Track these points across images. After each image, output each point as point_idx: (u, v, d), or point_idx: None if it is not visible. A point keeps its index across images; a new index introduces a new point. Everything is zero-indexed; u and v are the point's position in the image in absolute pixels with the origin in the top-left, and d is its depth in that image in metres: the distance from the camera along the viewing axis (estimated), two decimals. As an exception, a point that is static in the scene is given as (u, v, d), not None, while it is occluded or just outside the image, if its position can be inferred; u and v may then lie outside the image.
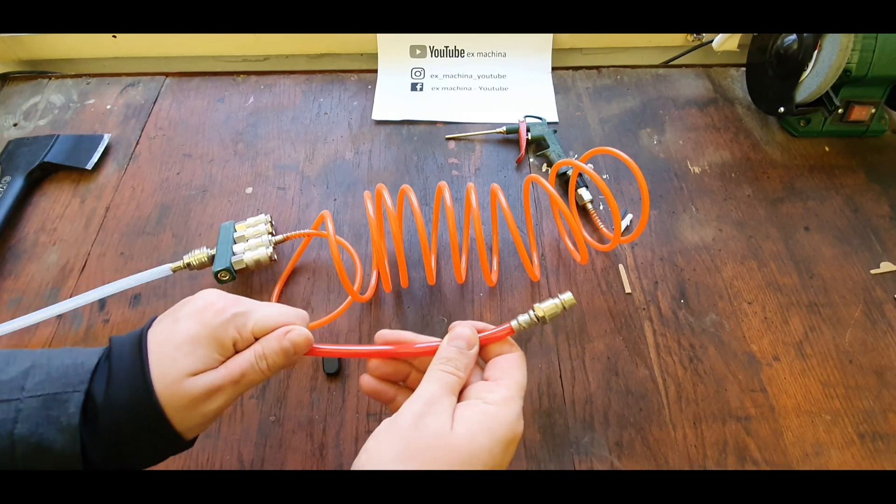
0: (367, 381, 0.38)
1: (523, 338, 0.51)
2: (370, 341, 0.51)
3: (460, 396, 0.34)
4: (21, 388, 0.30)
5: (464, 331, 0.35)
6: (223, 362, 0.33)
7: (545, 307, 0.36)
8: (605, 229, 0.58)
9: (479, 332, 0.36)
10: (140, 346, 0.32)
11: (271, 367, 0.33)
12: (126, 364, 0.31)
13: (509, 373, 0.34)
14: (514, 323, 0.36)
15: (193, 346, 0.32)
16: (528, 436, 0.46)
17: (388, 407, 0.38)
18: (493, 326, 0.36)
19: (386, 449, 0.30)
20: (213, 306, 0.33)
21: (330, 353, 0.37)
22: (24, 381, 0.30)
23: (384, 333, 0.37)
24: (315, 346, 0.36)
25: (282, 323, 0.35)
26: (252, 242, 0.54)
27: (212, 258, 0.53)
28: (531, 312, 0.36)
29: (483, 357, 0.36)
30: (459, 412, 0.31)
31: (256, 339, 0.34)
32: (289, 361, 0.34)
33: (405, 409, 0.31)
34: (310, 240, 0.56)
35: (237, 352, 0.34)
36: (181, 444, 0.33)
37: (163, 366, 0.31)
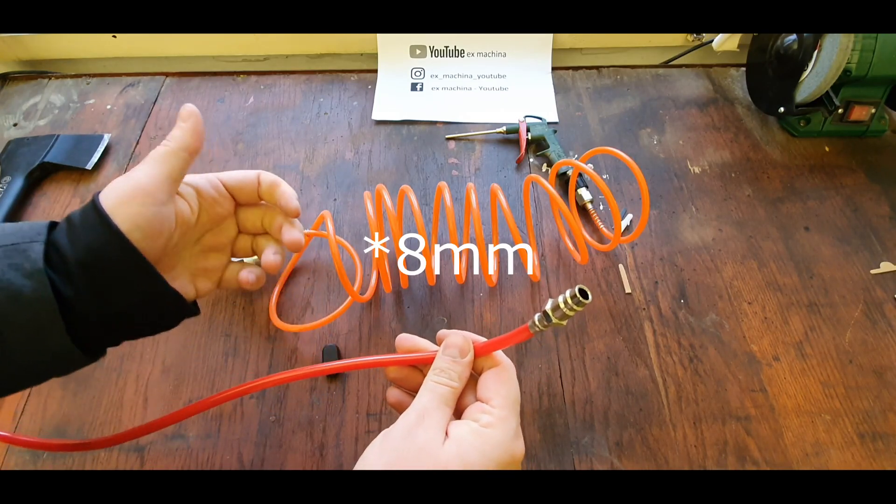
0: (392, 393, 0.39)
1: (523, 338, 0.51)
2: (370, 341, 0.52)
3: (458, 412, 0.34)
4: None
5: (455, 339, 0.35)
6: None
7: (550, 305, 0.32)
8: (605, 229, 0.58)
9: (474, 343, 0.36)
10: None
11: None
12: (84, 207, 0.34)
13: (499, 390, 0.33)
14: (530, 325, 0.33)
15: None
16: (528, 436, 0.46)
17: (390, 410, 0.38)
18: (483, 339, 0.36)
19: (377, 459, 0.30)
20: None
21: (337, 370, 0.39)
22: None
23: (403, 338, 0.38)
24: (321, 366, 0.38)
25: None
26: (252, 242, 0.54)
27: (212, 258, 0.53)
28: (539, 315, 0.33)
29: (474, 370, 0.36)
30: (453, 429, 0.31)
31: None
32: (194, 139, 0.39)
33: (400, 420, 0.32)
34: (310, 240, 0.56)
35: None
36: (148, 272, 0.33)
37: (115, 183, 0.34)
